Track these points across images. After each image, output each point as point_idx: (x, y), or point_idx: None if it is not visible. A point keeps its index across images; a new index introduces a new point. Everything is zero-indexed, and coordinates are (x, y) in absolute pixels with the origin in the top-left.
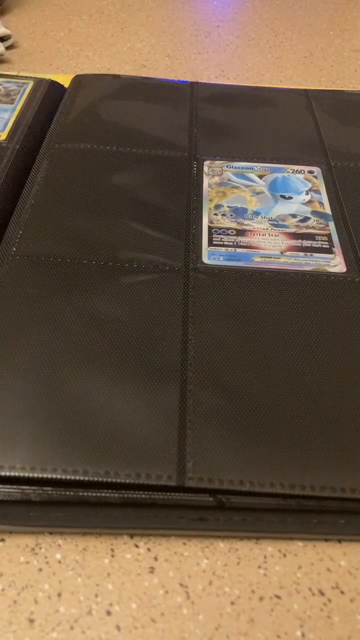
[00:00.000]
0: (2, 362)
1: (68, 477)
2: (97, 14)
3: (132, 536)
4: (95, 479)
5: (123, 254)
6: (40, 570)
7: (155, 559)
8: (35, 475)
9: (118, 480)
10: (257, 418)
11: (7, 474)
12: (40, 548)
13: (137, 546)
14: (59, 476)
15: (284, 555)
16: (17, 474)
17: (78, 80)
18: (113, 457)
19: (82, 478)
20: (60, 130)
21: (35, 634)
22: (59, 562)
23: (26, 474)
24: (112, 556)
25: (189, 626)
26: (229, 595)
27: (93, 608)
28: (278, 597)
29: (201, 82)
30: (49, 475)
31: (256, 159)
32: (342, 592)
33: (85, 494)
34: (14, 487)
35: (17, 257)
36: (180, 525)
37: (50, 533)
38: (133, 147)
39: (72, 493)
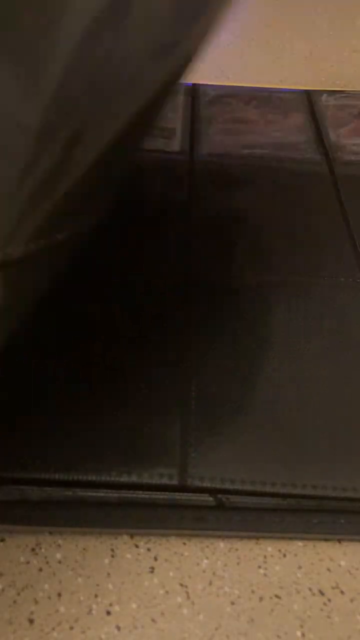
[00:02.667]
0: None
1: (68, 477)
2: None
3: (132, 536)
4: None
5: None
6: (40, 570)
7: (155, 558)
8: (35, 475)
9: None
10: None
11: (7, 474)
12: (41, 548)
13: (137, 546)
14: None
15: (284, 555)
16: (16, 474)
17: None
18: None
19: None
20: None
21: (35, 633)
22: (59, 562)
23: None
24: (112, 556)
25: (189, 626)
26: (229, 595)
27: (93, 608)
28: (278, 597)
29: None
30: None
31: None
32: (342, 592)
33: (85, 494)
34: (13, 487)
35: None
36: (180, 525)
37: (50, 533)
38: None
39: (71, 493)
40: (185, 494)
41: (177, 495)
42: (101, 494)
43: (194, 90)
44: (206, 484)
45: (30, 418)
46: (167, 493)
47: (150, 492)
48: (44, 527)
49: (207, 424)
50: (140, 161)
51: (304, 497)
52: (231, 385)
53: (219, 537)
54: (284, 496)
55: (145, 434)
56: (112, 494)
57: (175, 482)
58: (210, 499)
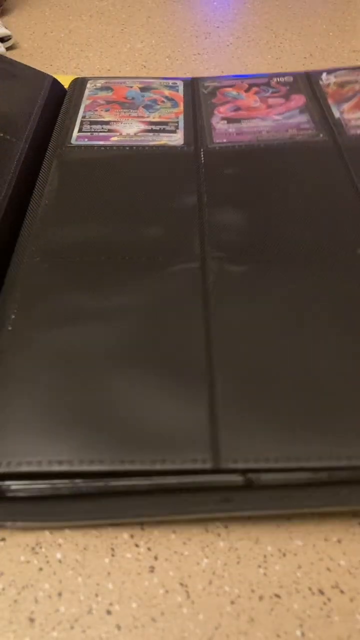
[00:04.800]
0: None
1: (103, 468)
2: (98, 14)
3: (132, 535)
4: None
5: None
6: (40, 569)
7: (156, 558)
8: (66, 468)
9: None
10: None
11: (36, 469)
12: (41, 547)
13: (137, 545)
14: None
15: (284, 555)
16: (45, 468)
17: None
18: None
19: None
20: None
21: (36, 633)
22: (60, 561)
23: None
24: (113, 555)
25: (189, 626)
26: (228, 595)
27: (93, 607)
28: (278, 596)
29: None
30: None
31: None
32: (342, 592)
33: (118, 483)
34: (45, 482)
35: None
36: (205, 508)
37: (51, 532)
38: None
39: (103, 484)
40: (214, 475)
41: (205, 477)
42: (133, 482)
43: (194, 84)
44: (240, 464)
45: (55, 410)
46: (196, 476)
47: (179, 477)
48: (69, 522)
49: (235, 404)
50: (147, 157)
51: (337, 469)
52: (256, 362)
53: (241, 518)
54: (317, 470)
55: (173, 420)
56: (143, 482)
57: (209, 465)
58: (240, 478)
